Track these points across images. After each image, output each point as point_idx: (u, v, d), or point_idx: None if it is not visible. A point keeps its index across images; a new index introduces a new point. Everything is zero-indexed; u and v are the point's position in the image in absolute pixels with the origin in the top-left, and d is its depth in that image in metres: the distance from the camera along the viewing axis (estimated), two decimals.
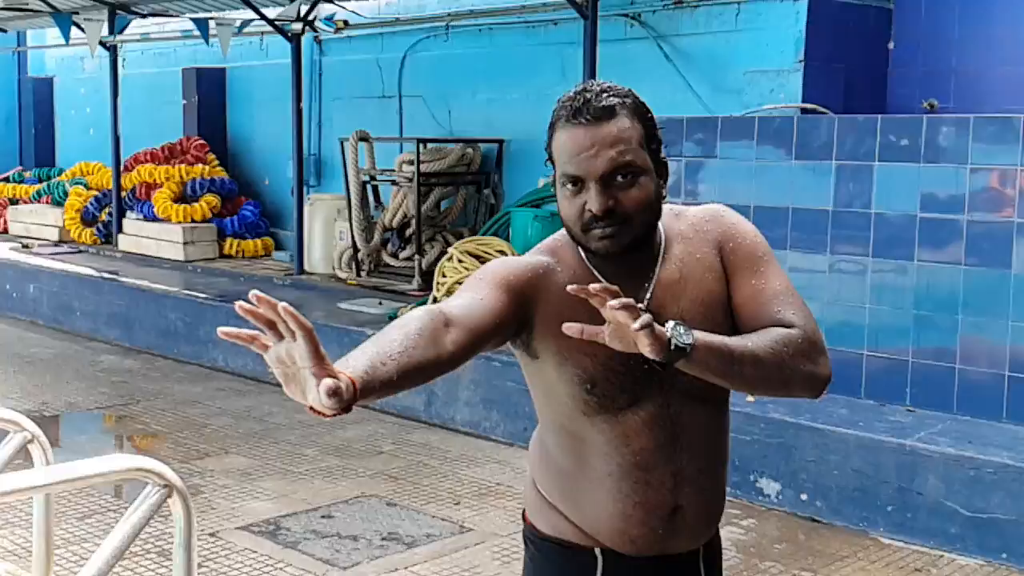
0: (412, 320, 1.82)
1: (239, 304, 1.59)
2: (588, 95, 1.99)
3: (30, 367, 9.16)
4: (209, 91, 13.25)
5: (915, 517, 5.33)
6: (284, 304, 1.58)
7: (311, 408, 1.62)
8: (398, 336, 1.77)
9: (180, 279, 10.77)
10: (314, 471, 6.34)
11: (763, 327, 2.01)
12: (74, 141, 15.70)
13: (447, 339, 1.83)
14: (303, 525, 5.46)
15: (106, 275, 10.88)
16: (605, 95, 1.99)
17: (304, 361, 1.59)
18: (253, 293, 1.62)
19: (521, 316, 2.01)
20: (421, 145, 9.86)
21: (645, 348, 1.80)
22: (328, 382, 1.56)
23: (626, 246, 2.01)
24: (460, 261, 8.43)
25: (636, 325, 1.76)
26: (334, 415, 1.62)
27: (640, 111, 2.02)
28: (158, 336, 9.71)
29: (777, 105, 7.68)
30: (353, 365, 1.68)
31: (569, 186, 2.00)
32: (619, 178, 1.97)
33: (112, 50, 12.67)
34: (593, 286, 1.78)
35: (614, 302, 1.76)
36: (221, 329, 1.60)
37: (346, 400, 1.61)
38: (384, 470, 6.36)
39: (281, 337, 1.60)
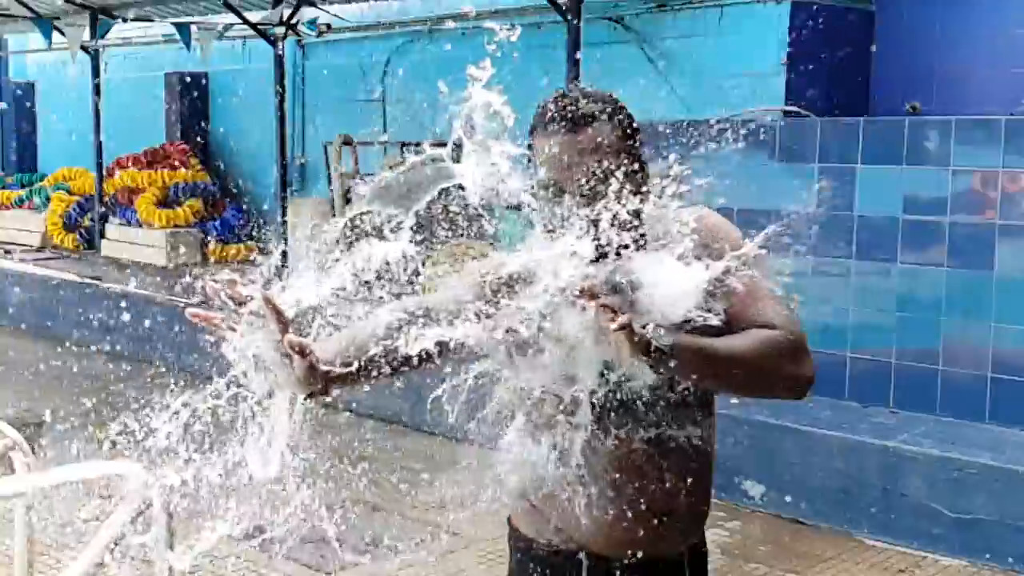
0: (392, 310, 1.82)
1: (209, 284, 1.59)
2: (566, 101, 1.98)
3: (12, 374, 9.11)
4: (191, 95, 13.21)
5: (899, 518, 5.35)
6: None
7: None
8: (376, 324, 1.77)
9: (163, 284, 10.72)
10: (299, 476, 6.30)
11: (746, 329, 2.00)
12: (56, 146, 15.62)
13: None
14: (288, 531, 5.44)
15: (89, 281, 10.83)
16: (583, 101, 1.98)
17: (273, 334, 1.59)
18: (222, 277, 1.62)
19: None
20: (405, 149, 9.84)
21: (625, 350, 1.79)
22: (292, 336, 1.55)
23: (604, 252, 2.00)
24: (445, 263, 8.42)
25: (615, 326, 1.76)
26: (311, 395, 1.62)
27: (620, 116, 2.01)
28: (141, 342, 9.67)
29: (760, 108, 7.70)
30: (326, 346, 1.68)
31: (548, 192, 2.00)
32: (597, 185, 1.97)
33: (94, 55, 12.62)
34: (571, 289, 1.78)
35: (593, 303, 1.75)
36: (190, 310, 1.60)
37: (320, 375, 1.60)
38: (370, 475, 6.34)
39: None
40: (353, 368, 1.71)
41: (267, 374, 1.62)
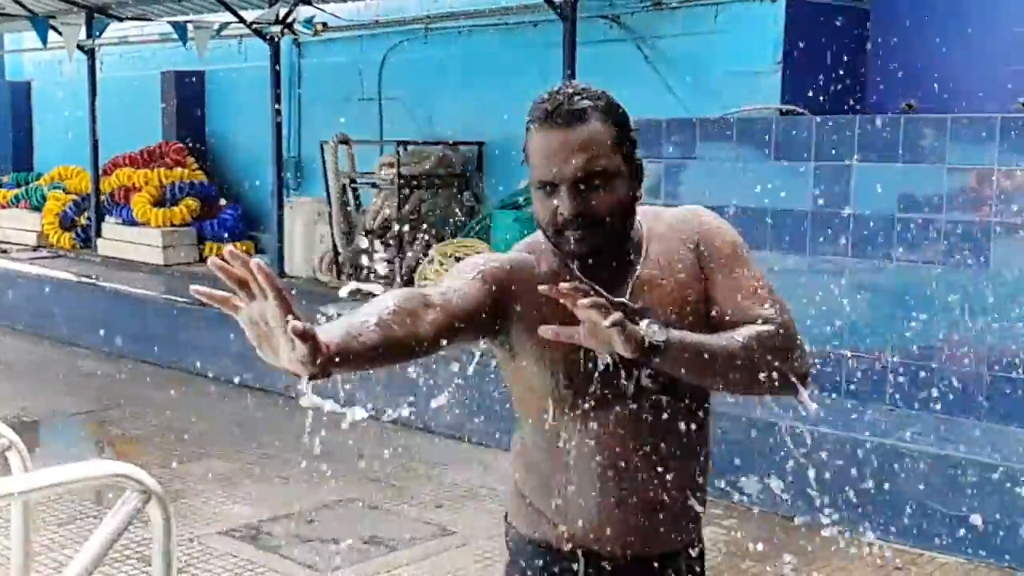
0: (391, 298, 1.82)
1: (212, 260, 1.60)
2: (561, 98, 1.99)
3: (8, 373, 9.11)
4: (188, 94, 13.19)
5: (895, 516, 5.35)
6: (256, 260, 1.59)
7: (288, 371, 1.63)
8: (375, 311, 1.78)
9: (159, 283, 10.72)
10: (295, 475, 6.32)
11: (740, 325, 2.01)
12: (52, 145, 15.59)
13: (426, 319, 1.84)
14: (284, 529, 5.44)
15: (85, 280, 10.82)
16: (578, 98, 1.99)
17: (276, 321, 1.59)
18: (228, 249, 1.62)
19: (499, 310, 2.01)
20: (401, 148, 9.84)
21: (619, 346, 1.80)
22: (296, 323, 1.56)
23: (598, 249, 2.01)
24: (441, 263, 8.42)
25: (607, 323, 1.76)
26: (311, 377, 1.62)
27: (614, 113, 2.02)
28: (138, 341, 9.67)
29: (756, 106, 7.70)
30: (327, 330, 1.69)
31: (542, 189, 2.01)
32: (591, 182, 1.97)
33: (90, 53, 12.60)
34: (563, 285, 1.78)
35: (584, 300, 1.76)
36: (194, 288, 1.61)
37: (321, 358, 1.61)
38: (366, 474, 6.35)
39: (253, 297, 1.60)
40: (355, 352, 1.71)
41: (269, 353, 1.63)
